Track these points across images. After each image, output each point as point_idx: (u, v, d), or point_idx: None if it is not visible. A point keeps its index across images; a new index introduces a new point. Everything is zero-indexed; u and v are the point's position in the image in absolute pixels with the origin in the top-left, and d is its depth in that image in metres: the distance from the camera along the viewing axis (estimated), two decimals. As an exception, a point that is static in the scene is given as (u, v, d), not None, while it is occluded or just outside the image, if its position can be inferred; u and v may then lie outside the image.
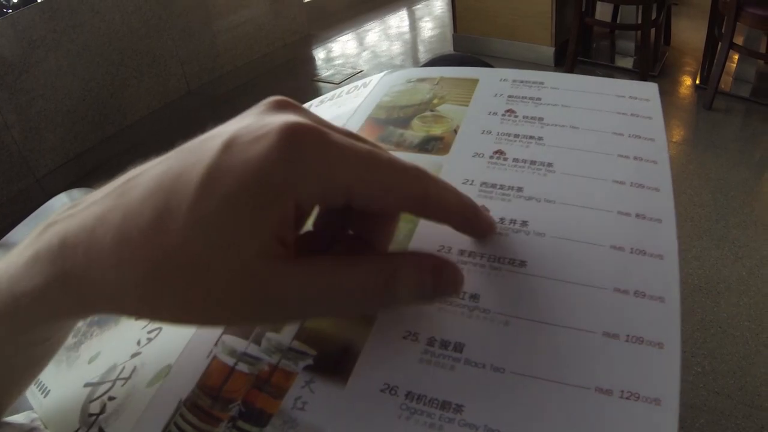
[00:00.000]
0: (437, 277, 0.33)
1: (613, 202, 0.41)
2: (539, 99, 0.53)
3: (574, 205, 0.42)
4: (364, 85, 0.64)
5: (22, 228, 1.27)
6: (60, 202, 1.30)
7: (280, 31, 5.02)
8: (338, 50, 5.16)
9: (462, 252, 0.40)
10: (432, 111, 0.55)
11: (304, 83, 4.51)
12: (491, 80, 0.57)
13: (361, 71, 4.52)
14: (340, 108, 0.62)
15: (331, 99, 0.66)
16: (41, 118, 3.22)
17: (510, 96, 0.54)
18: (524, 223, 0.41)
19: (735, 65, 3.83)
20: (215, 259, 0.28)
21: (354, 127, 0.56)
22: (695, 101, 3.64)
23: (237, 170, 0.28)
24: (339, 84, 4.28)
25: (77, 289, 0.29)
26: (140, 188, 0.30)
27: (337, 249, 0.36)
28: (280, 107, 0.34)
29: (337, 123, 0.55)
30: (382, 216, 0.37)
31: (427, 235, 0.42)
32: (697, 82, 3.83)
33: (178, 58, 4.08)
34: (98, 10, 3.47)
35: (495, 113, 0.52)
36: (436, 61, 0.86)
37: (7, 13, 3.22)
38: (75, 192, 1.34)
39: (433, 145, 0.51)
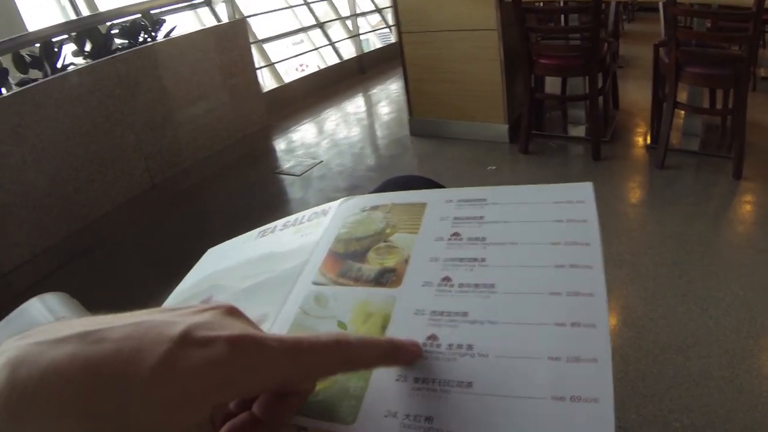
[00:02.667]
0: None
1: (549, 314, 0.45)
2: (482, 217, 0.57)
3: (514, 323, 0.45)
4: (324, 213, 0.68)
5: (-1, 333, 1.27)
6: (34, 307, 1.30)
7: (240, 123, 5.07)
8: (298, 140, 5.23)
9: (416, 379, 0.44)
10: (385, 242, 0.59)
11: (265, 176, 4.55)
12: (438, 203, 0.62)
13: (321, 161, 4.58)
14: (303, 238, 0.67)
15: (293, 224, 0.70)
16: (6, 213, 3.19)
17: (455, 218, 0.59)
18: (470, 346, 0.45)
19: (682, 121, 3.97)
20: (164, 427, 0.33)
21: (317, 262, 0.61)
22: (648, 161, 3.76)
23: (187, 366, 0.34)
24: (300, 176, 4.35)
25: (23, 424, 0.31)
26: (102, 347, 0.34)
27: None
28: (231, 314, 0.41)
29: (301, 254, 0.63)
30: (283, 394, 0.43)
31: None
32: (648, 142, 3.96)
33: (142, 152, 4.09)
34: (62, 104, 3.49)
35: (442, 238, 0.57)
36: (387, 185, 0.91)
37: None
38: (48, 297, 1.33)
39: (387, 277, 0.55)
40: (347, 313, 0.53)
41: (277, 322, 0.56)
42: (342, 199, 0.69)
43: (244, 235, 0.77)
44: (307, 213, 0.71)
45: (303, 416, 0.45)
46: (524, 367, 0.42)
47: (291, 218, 0.72)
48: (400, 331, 0.49)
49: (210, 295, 0.68)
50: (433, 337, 0.46)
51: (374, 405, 0.43)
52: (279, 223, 0.73)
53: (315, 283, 0.58)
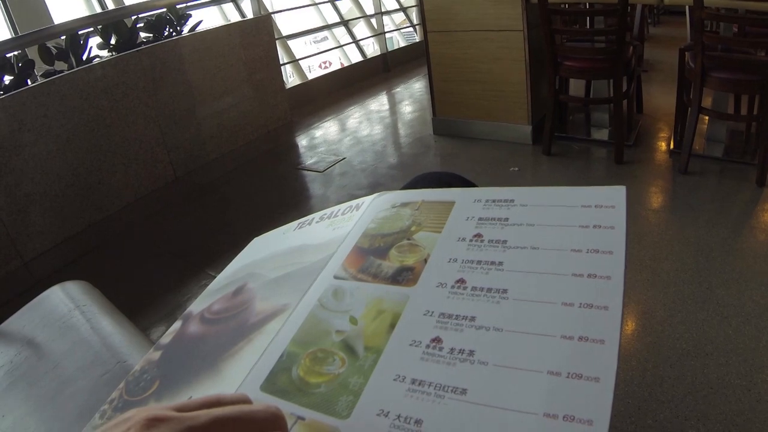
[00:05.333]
0: None
1: (558, 325, 0.44)
2: (507, 219, 0.57)
3: (519, 332, 0.45)
4: (357, 207, 0.70)
5: (19, 318, 1.28)
6: (55, 295, 1.31)
7: (263, 119, 5.10)
8: (321, 136, 5.25)
9: (414, 381, 0.44)
10: (409, 240, 0.60)
11: (288, 171, 4.56)
12: (466, 202, 0.62)
13: (343, 158, 4.59)
14: (334, 231, 0.68)
15: (329, 217, 0.72)
16: (29, 201, 3.23)
17: (480, 219, 0.58)
18: (471, 352, 0.44)
19: (706, 126, 3.94)
20: None
21: (341, 256, 0.62)
22: (671, 166, 3.72)
23: None
24: (323, 172, 4.37)
25: None
26: None
27: None
28: (149, 428, 0.39)
29: (329, 248, 0.64)
30: None
31: (388, 362, 0.47)
32: (672, 147, 3.92)
33: (165, 145, 4.13)
34: (87, 96, 3.53)
35: (464, 239, 0.57)
36: (420, 180, 0.91)
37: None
38: (69, 285, 1.35)
39: (404, 276, 0.55)
40: (361, 308, 0.53)
41: (295, 312, 0.57)
42: (376, 195, 0.70)
43: (285, 225, 0.78)
44: (342, 207, 0.72)
45: (302, 406, 0.45)
46: (521, 379, 0.41)
47: (327, 211, 0.74)
48: (407, 330, 0.49)
49: (245, 282, 0.70)
50: (437, 340, 0.46)
51: (370, 402, 0.44)
52: (317, 215, 0.74)
53: (336, 277, 0.59)
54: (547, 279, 0.49)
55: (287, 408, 0.46)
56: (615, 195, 0.56)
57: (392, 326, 0.50)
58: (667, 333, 2.28)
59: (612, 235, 0.51)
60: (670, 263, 2.74)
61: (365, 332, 0.51)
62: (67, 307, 1.25)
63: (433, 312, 0.49)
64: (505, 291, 0.49)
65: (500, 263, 0.52)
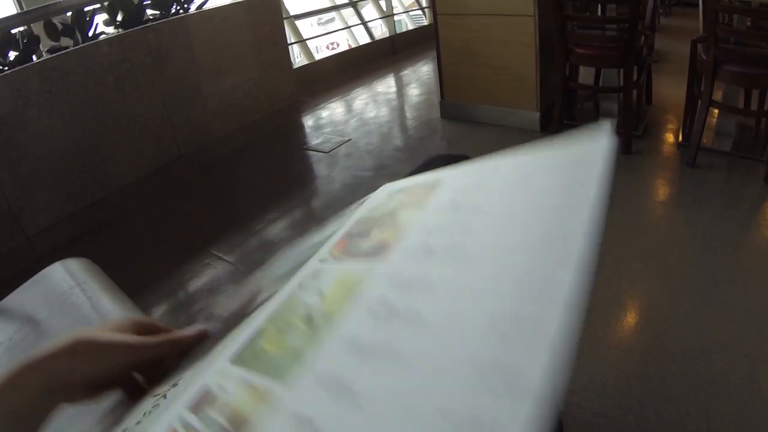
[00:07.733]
0: None
1: (511, 296, 0.38)
2: (486, 187, 0.55)
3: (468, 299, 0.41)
4: (362, 203, 0.69)
5: (19, 294, 1.28)
6: (57, 272, 1.31)
7: (269, 98, 5.08)
8: (327, 117, 5.23)
9: (358, 345, 0.41)
10: (391, 217, 0.60)
11: (293, 151, 4.56)
12: (451, 179, 0.61)
13: (349, 139, 4.58)
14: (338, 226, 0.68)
15: (340, 216, 0.72)
16: (33, 177, 3.23)
17: (462, 191, 0.57)
18: (419, 316, 0.41)
19: (715, 120, 3.91)
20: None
21: (332, 243, 0.63)
22: (678, 159, 3.69)
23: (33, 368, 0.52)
24: (328, 153, 4.36)
25: None
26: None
27: None
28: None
29: (335, 238, 0.64)
30: None
31: (338, 328, 0.45)
32: (680, 139, 3.89)
33: (170, 122, 4.11)
34: (92, 72, 3.51)
35: (441, 212, 0.55)
36: (429, 162, 0.88)
37: (3, 71, 3.26)
38: (70, 262, 1.34)
39: (377, 250, 0.54)
40: (331, 282, 0.53)
41: (277, 295, 0.59)
42: (384, 185, 0.70)
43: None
44: (354, 204, 0.73)
45: (254, 371, 0.47)
46: (463, 340, 0.37)
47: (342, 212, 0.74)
48: (363, 298, 0.47)
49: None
50: (388, 305, 0.44)
51: (315, 368, 0.42)
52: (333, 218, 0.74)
53: (321, 261, 0.60)
54: (512, 245, 0.45)
55: (242, 375, 0.47)
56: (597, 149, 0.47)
57: (350, 294, 0.49)
58: (670, 327, 2.27)
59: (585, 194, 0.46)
60: (676, 256, 2.72)
61: (327, 302, 0.50)
62: (67, 284, 1.24)
63: (394, 280, 0.47)
64: (468, 257, 0.45)
65: (470, 230, 0.49)
